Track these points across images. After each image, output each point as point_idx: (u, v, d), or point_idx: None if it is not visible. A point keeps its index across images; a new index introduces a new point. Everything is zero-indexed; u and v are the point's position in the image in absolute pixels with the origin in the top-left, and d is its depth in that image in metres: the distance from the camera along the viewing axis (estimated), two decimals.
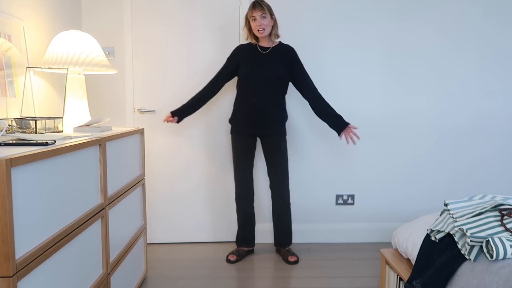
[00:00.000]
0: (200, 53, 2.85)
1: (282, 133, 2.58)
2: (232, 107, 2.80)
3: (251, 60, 2.51)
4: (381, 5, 2.87)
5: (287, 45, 2.58)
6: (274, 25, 2.49)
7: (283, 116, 2.57)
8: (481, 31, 2.92)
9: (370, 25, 2.88)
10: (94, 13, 2.78)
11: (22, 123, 1.65)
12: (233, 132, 2.61)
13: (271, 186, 2.64)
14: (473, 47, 2.94)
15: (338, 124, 2.53)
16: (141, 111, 2.87)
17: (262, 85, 2.49)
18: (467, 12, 2.90)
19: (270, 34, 2.50)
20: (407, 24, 2.89)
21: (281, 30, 2.86)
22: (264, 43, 2.53)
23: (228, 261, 2.65)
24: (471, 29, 2.92)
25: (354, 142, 2.50)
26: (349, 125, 2.51)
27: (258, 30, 2.43)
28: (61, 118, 1.83)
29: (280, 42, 2.58)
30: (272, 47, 2.54)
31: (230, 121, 2.62)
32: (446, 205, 1.72)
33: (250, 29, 2.50)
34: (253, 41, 2.52)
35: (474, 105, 2.99)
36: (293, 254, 2.67)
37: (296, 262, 2.62)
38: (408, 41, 2.91)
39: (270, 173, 2.62)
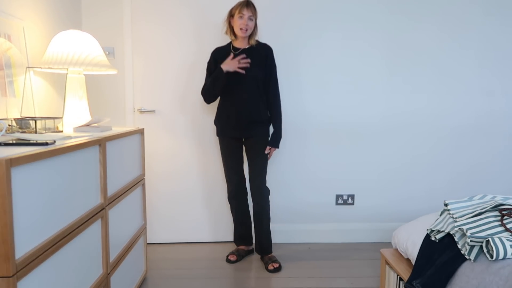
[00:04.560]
0: (200, 53, 2.85)
1: (264, 134, 2.54)
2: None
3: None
4: (383, 4, 2.87)
5: (264, 44, 2.54)
6: (255, 31, 2.48)
7: (264, 116, 2.52)
8: (482, 31, 2.92)
9: (371, 25, 2.88)
10: (94, 13, 2.78)
11: (22, 123, 1.65)
12: (218, 134, 2.60)
13: (250, 185, 2.58)
14: (474, 46, 2.94)
15: (274, 138, 2.54)
16: (141, 111, 2.87)
17: (239, 86, 2.45)
18: (468, 12, 2.90)
19: (249, 37, 2.48)
20: (408, 24, 2.89)
21: (279, 31, 2.86)
22: (238, 44, 2.50)
23: (228, 261, 2.65)
24: (472, 29, 2.92)
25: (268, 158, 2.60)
26: (277, 148, 2.59)
27: (241, 29, 2.39)
28: (61, 118, 1.83)
29: (257, 41, 2.53)
30: (244, 48, 2.50)
31: (215, 122, 2.61)
32: (446, 205, 1.72)
33: (230, 25, 2.46)
34: (232, 37, 2.48)
35: (474, 105, 2.99)
36: (275, 261, 2.54)
37: (277, 269, 2.49)
38: (408, 42, 2.91)
39: (249, 171, 2.57)
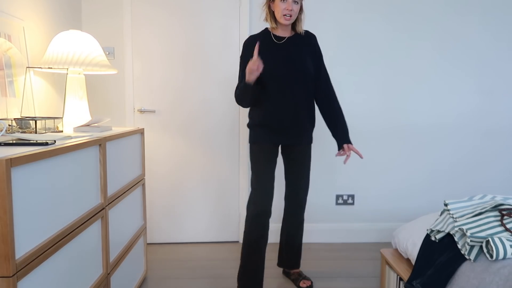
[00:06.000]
0: (200, 53, 2.85)
1: (310, 140, 2.19)
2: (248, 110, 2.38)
3: (272, 53, 2.04)
4: (379, 13, 2.87)
5: (307, 31, 2.14)
6: (301, 16, 2.05)
7: (314, 120, 2.18)
8: (481, 33, 2.93)
9: (371, 22, 2.89)
10: (94, 13, 2.78)
11: (22, 123, 1.65)
12: (255, 141, 2.12)
13: (287, 199, 2.25)
14: (471, 46, 2.94)
15: (346, 134, 2.15)
16: (141, 111, 2.87)
17: (290, 83, 2.03)
18: (465, 14, 2.91)
19: (294, 24, 2.07)
20: (407, 23, 2.89)
21: None
22: (279, 32, 2.08)
23: None
24: (472, 30, 2.92)
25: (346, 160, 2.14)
26: (351, 144, 2.15)
27: (284, 15, 1.96)
28: (61, 118, 1.83)
29: None
30: (289, 36, 2.09)
31: (251, 126, 2.14)
32: (446, 205, 1.72)
33: (270, 10, 2.04)
34: (272, 24, 2.05)
35: (474, 105, 2.99)
36: (306, 278, 2.30)
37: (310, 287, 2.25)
38: (407, 39, 2.91)
39: (290, 186, 2.22)
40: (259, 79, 2.00)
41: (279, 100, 2.04)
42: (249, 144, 2.24)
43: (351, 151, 2.12)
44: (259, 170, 2.09)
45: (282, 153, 2.25)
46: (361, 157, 2.09)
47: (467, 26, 2.92)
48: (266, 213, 2.09)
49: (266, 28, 2.11)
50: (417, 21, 2.90)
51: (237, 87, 2.07)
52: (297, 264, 2.38)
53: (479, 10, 2.91)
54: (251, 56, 1.95)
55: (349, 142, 2.14)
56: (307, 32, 2.14)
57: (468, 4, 2.90)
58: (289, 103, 2.05)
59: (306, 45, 2.09)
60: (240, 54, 2.13)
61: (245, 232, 2.13)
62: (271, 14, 2.04)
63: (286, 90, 2.03)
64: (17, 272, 1.05)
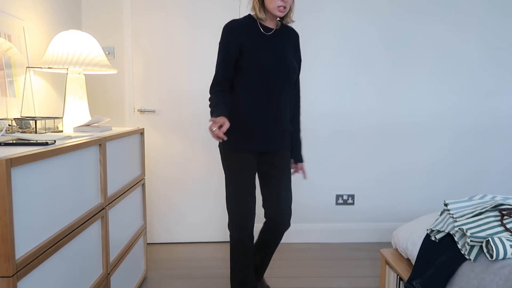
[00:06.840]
0: (200, 53, 2.85)
1: (289, 146, 1.97)
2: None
3: (260, 45, 1.78)
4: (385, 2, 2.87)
5: (292, 28, 1.92)
6: (292, 6, 1.83)
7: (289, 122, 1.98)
8: (482, 30, 2.93)
9: (369, 13, 2.89)
10: (94, 13, 2.78)
11: (22, 123, 1.65)
12: (233, 149, 1.83)
13: (269, 215, 1.91)
14: (472, 47, 2.94)
15: (299, 150, 2.01)
16: (141, 111, 2.87)
17: (278, 81, 1.80)
18: (469, 10, 2.91)
19: (283, 17, 1.84)
20: (410, 16, 2.89)
21: None
22: (267, 23, 1.82)
23: None
24: (474, 29, 2.92)
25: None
26: (302, 163, 2.03)
27: (279, 7, 1.72)
28: (61, 118, 1.83)
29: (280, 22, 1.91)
30: (276, 28, 1.85)
31: (231, 132, 1.81)
32: (446, 205, 1.72)
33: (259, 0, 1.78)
34: (262, 15, 1.78)
35: (474, 105, 2.99)
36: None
37: None
38: (408, 38, 2.91)
39: (270, 199, 1.91)
40: (243, 70, 1.79)
41: (266, 100, 1.80)
42: (220, 151, 1.90)
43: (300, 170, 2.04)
44: (242, 186, 1.83)
45: (263, 164, 1.92)
46: (305, 178, 2.27)
47: (464, 28, 2.92)
48: (251, 237, 1.89)
49: (250, 15, 1.84)
50: (415, 20, 2.90)
51: (212, 85, 1.85)
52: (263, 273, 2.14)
53: (476, 11, 2.91)
54: (236, 46, 1.75)
55: (302, 161, 2.02)
56: (292, 29, 1.92)
57: (466, 4, 2.90)
58: (278, 105, 1.83)
59: (291, 43, 1.89)
60: (220, 40, 1.81)
61: (231, 254, 1.92)
62: (261, 3, 1.78)
63: (273, 87, 1.80)
64: (17, 272, 1.05)
